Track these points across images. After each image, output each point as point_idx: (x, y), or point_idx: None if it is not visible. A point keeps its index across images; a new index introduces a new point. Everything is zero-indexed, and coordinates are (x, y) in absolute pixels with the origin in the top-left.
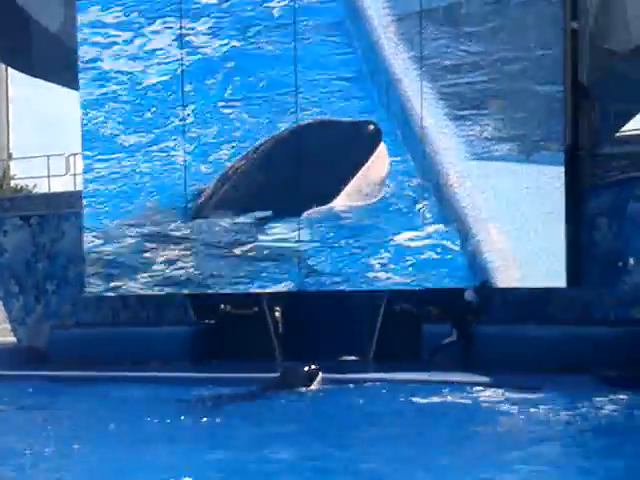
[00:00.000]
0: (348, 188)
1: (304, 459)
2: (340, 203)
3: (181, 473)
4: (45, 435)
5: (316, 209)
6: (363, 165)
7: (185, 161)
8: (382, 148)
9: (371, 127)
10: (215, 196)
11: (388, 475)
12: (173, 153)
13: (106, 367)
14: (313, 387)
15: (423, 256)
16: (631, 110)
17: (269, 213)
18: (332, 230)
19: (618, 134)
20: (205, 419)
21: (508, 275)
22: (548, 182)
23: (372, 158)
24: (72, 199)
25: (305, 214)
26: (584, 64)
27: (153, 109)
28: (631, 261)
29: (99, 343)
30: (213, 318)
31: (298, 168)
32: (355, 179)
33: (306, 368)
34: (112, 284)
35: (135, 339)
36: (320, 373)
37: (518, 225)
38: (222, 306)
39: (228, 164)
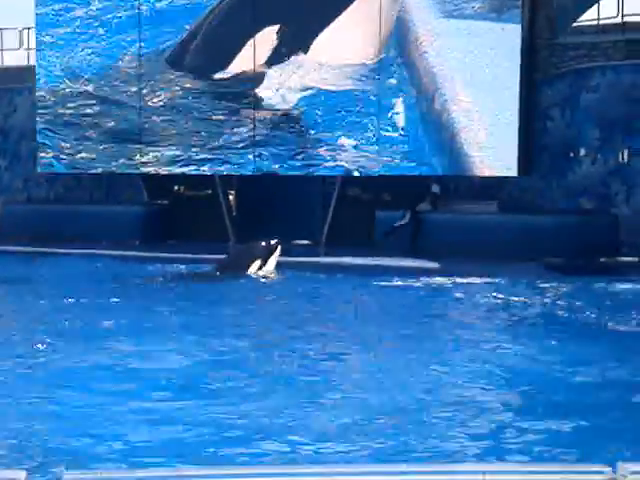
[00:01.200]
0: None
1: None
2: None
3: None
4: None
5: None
6: None
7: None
8: None
9: None
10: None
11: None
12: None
13: (57, 244)
14: (270, 266)
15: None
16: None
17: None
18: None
19: (575, 24)
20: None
21: (460, 162)
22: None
23: None
24: (25, 74)
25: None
26: None
27: None
28: (582, 151)
29: (51, 220)
30: (166, 199)
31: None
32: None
33: (264, 243)
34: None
35: (87, 217)
36: (279, 248)
37: (484, 84)
38: (176, 187)
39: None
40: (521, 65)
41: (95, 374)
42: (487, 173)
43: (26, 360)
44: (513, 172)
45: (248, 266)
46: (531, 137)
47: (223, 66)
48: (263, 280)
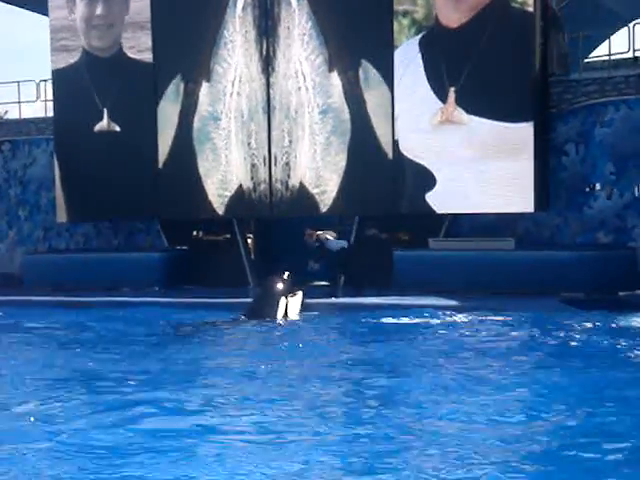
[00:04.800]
0: None
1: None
2: None
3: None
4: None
5: None
6: None
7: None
8: None
9: None
10: None
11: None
12: None
13: (78, 293)
14: (294, 311)
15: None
16: (599, 36)
17: None
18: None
19: (586, 60)
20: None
21: (475, 199)
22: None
23: None
24: (43, 125)
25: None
26: None
27: None
28: (597, 186)
29: (71, 269)
30: (185, 244)
31: None
32: None
33: (283, 279)
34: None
35: (107, 265)
36: (300, 293)
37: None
38: (194, 232)
39: None
40: (535, 101)
41: None
42: (504, 209)
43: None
44: (530, 208)
45: (273, 310)
46: (547, 173)
47: None
48: (291, 323)
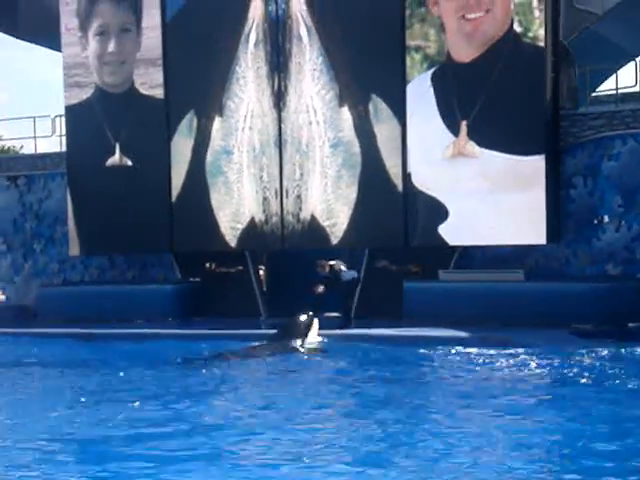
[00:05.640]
0: None
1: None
2: None
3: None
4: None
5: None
6: None
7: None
8: None
9: None
10: None
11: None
12: None
13: (93, 325)
14: (312, 339)
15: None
16: (607, 70)
17: None
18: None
19: (594, 94)
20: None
21: (488, 231)
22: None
23: None
24: (58, 159)
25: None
26: (561, 24)
27: None
28: (606, 219)
29: (86, 301)
30: (198, 276)
31: None
32: None
33: (304, 316)
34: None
35: (121, 297)
36: (316, 320)
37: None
38: (207, 264)
39: None
40: (546, 135)
41: None
42: (516, 241)
43: None
44: (542, 240)
45: (295, 341)
46: (558, 205)
47: None
48: (314, 353)
